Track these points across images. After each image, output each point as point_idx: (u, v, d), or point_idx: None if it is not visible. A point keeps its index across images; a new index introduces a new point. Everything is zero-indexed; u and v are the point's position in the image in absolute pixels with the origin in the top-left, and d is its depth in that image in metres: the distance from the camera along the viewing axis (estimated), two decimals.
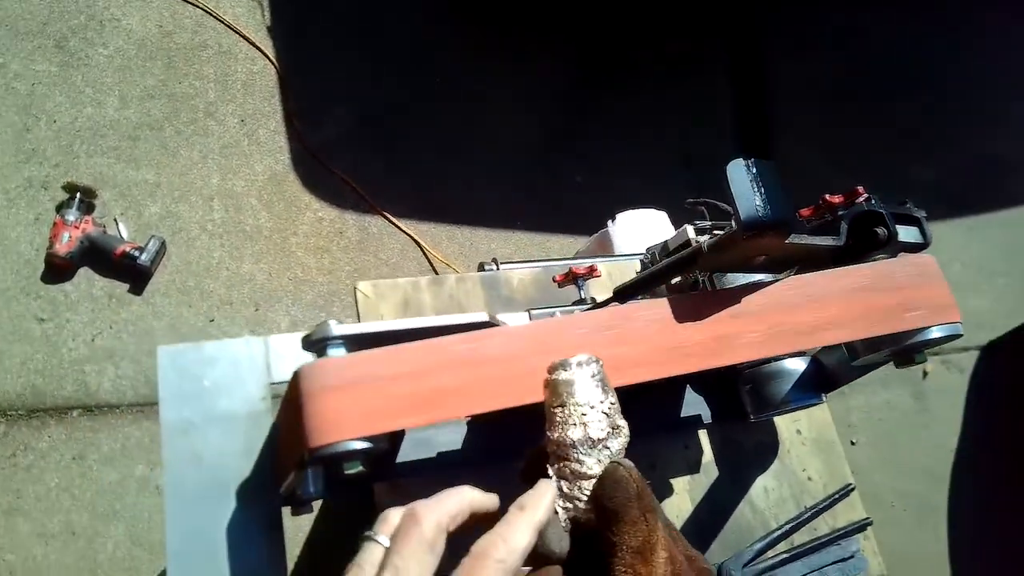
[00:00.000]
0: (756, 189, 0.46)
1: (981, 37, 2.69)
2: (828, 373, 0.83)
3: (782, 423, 0.98)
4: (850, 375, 0.80)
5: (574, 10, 2.33)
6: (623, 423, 0.43)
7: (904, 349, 0.53)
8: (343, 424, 0.44)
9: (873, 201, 0.54)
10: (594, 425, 0.42)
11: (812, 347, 0.50)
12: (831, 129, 2.42)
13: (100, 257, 1.60)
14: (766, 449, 0.95)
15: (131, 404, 1.51)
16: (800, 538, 0.90)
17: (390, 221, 1.92)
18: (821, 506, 0.93)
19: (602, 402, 0.42)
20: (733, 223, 0.47)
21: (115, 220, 1.66)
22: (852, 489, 0.96)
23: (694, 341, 0.49)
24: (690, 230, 0.94)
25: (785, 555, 0.88)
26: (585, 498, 0.40)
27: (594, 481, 0.40)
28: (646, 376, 0.48)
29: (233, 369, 0.57)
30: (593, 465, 0.41)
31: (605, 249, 1.22)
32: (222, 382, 0.56)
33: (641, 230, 1.23)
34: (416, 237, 1.91)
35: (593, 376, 0.43)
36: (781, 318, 0.50)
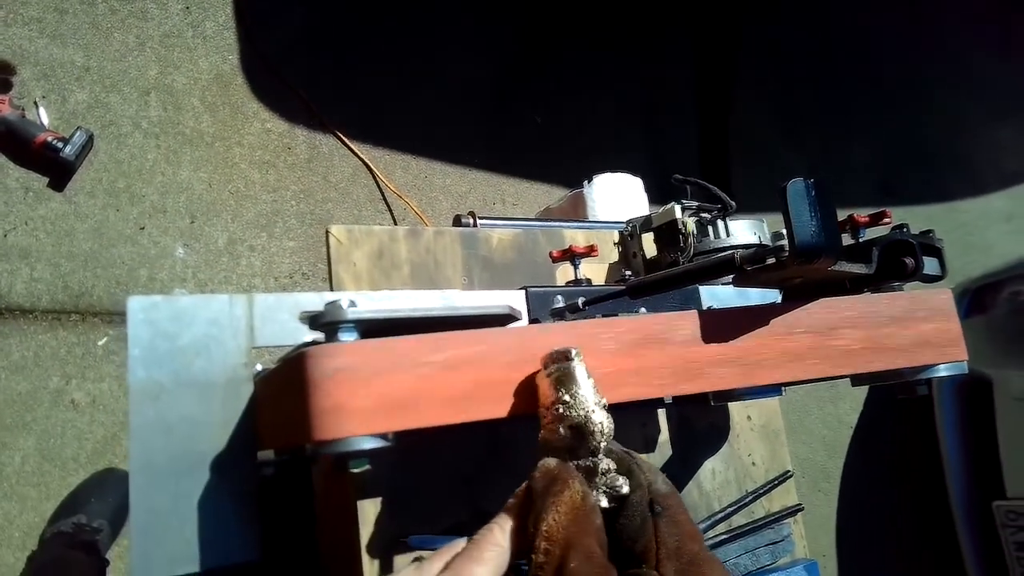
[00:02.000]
0: (813, 213, 0.44)
1: (933, 25, 2.75)
2: None
3: (735, 409, 1.00)
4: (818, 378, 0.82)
5: None
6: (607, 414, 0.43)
7: (910, 383, 0.54)
8: (356, 418, 0.40)
9: (905, 229, 0.53)
10: (598, 415, 0.42)
11: (836, 375, 0.50)
12: (786, 99, 2.44)
13: (16, 144, 1.43)
14: (718, 433, 0.98)
15: (46, 310, 1.39)
16: (739, 520, 0.94)
17: (343, 142, 1.80)
18: (761, 491, 0.97)
19: (597, 392, 0.43)
20: (784, 244, 0.45)
21: (35, 104, 1.48)
22: (790, 475, 1.01)
23: (754, 354, 0.47)
24: (677, 209, 0.92)
25: (724, 536, 0.91)
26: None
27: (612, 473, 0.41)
28: (675, 390, 0.46)
29: (213, 329, 0.51)
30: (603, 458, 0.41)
31: (579, 211, 1.19)
32: (200, 342, 0.51)
33: (616, 196, 1.20)
34: (369, 163, 1.81)
35: (585, 368, 0.43)
36: (833, 341, 0.49)
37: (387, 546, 0.71)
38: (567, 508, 0.37)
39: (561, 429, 0.41)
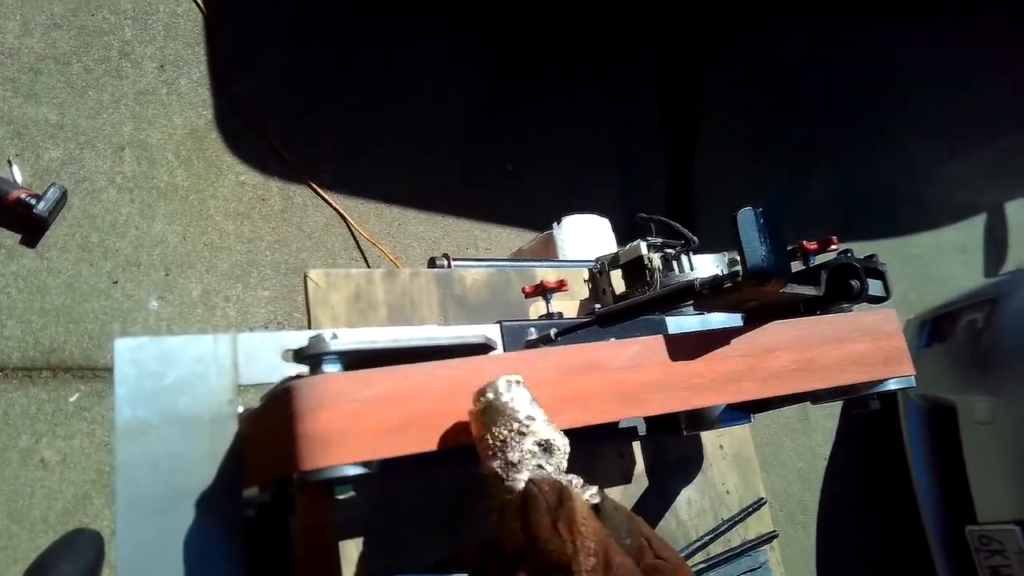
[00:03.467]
0: (763, 239, 0.48)
1: (885, 68, 2.90)
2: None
3: (707, 438, 1.03)
4: (781, 402, 0.85)
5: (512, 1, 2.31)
6: (558, 436, 0.44)
7: (862, 398, 0.57)
8: (340, 447, 0.42)
9: (849, 253, 0.57)
10: (529, 442, 0.43)
11: (793, 391, 0.53)
12: (749, 139, 2.54)
13: None
14: (692, 463, 1.00)
15: (17, 367, 1.38)
16: (716, 548, 0.96)
17: (316, 192, 1.84)
18: (736, 519, 0.99)
19: (533, 419, 0.44)
20: (738, 270, 0.48)
21: (8, 161, 1.49)
22: (764, 503, 1.03)
23: (693, 378, 0.50)
24: (643, 246, 0.97)
25: (702, 565, 0.93)
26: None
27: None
28: (653, 410, 0.49)
29: (198, 367, 0.53)
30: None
31: (550, 251, 1.23)
32: (185, 381, 0.52)
33: (585, 236, 1.25)
34: (343, 212, 1.84)
35: (526, 394, 0.44)
36: (762, 364, 0.52)
37: None
38: (586, 514, 0.39)
39: (527, 448, 0.43)
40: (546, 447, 0.43)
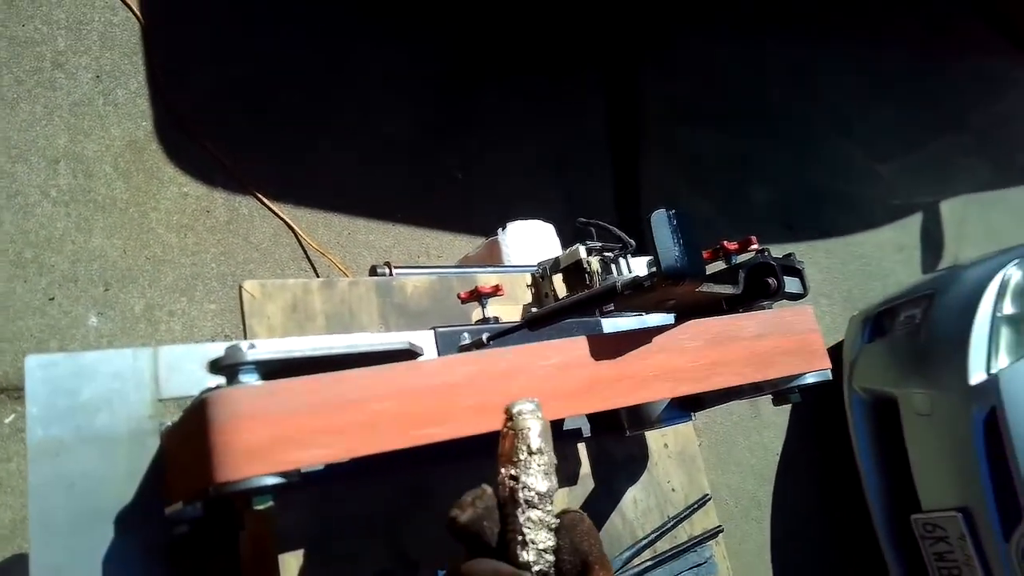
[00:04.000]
0: (676, 240, 0.49)
1: (814, 77, 3.00)
2: (698, 395, 0.90)
3: (651, 437, 1.04)
4: (716, 399, 0.87)
5: (458, 8, 2.32)
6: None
7: (782, 391, 0.59)
8: (257, 458, 0.41)
9: (766, 252, 0.59)
10: (551, 473, 0.42)
11: (709, 389, 0.54)
12: (690, 149, 2.60)
13: None
14: (637, 462, 1.01)
15: None
16: (663, 545, 0.97)
17: (262, 202, 1.81)
18: (682, 516, 1.01)
19: (551, 450, 0.43)
20: (654, 269, 0.50)
21: None
22: (708, 500, 1.05)
23: (611, 377, 0.51)
24: (582, 250, 0.98)
25: (649, 563, 0.94)
26: (545, 545, 0.40)
27: (548, 529, 0.40)
28: (580, 410, 0.49)
29: (116, 383, 0.52)
30: (548, 513, 0.41)
31: (494, 257, 1.24)
32: (102, 397, 0.51)
33: (530, 241, 1.26)
34: (290, 222, 1.82)
35: (544, 422, 0.43)
36: (686, 360, 0.54)
37: None
38: None
39: (529, 481, 0.41)
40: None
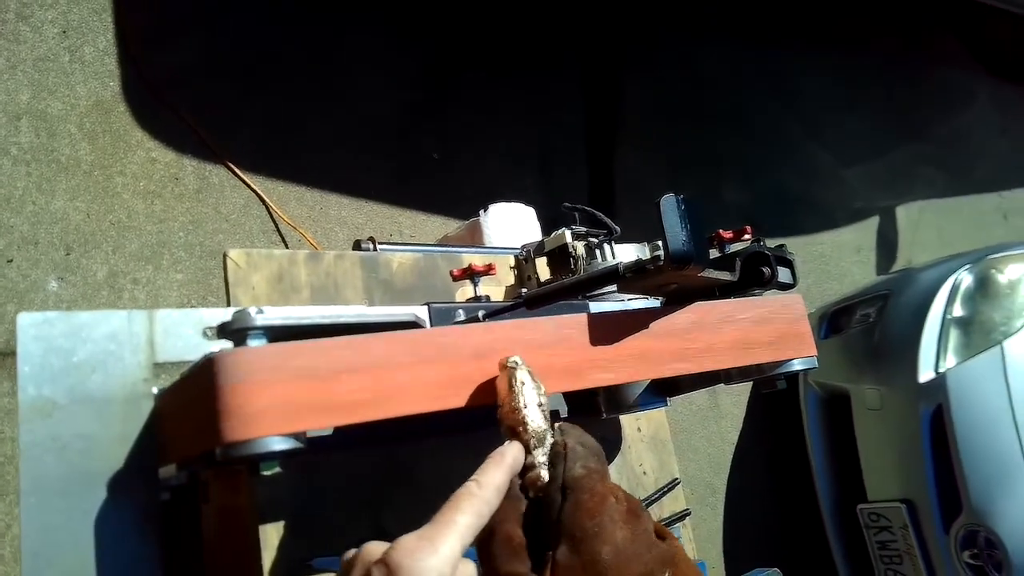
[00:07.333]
0: (684, 225, 0.50)
1: (791, 83, 3.07)
2: (673, 380, 0.92)
3: (625, 421, 1.07)
4: (693, 385, 0.90)
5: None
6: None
7: (770, 377, 0.61)
8: (268, 419, 0.41)
9: (761, 242, 0.61)
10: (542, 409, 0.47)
11: (701, 370, 0.56)
12: (665, 147, 2.63)
13: None
14: (611, 445, 1.03)
15: None
16: None
17: (234, 173, 1.77)
18: (652, 498, 1.03)
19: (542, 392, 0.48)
20: (660, 254, 0.51)
21: None
22: (678, 483, 1.08)
23: (612, 357, 0.52)
24: (568, 234, 0.99)
25: None
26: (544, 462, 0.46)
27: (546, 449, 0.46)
28: (575, 385, 0.51)
29: (111, 344, 0.50)
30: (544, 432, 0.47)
31: (476, 239, 1.24)
32: (96, 359, 0.50)
33: (511, 223, 1.26)
34: (262, 194, 1.78)
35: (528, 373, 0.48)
36: (680, 343, 0.55)
37: (291, 570, 0.70)
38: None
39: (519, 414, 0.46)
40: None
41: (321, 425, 0.42)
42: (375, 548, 0.40)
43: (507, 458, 0.44)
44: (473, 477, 0.43)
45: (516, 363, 0.48)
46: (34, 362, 0.48)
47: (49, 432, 0.47)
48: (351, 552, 0.42)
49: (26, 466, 0.46)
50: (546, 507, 0.44)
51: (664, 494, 1.04)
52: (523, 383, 0.47)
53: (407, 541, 0.38)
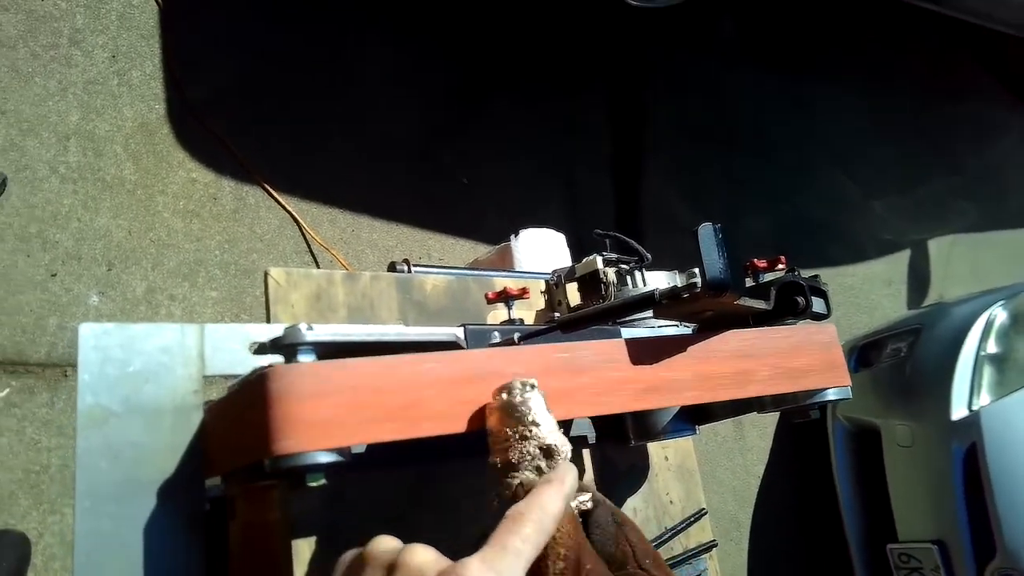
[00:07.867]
0: (720, 253, 0.51)
1: (818, 111, 3.07)
2: (706, 407, 0.92)
3: (653, 448, 1.06)
4: (725, 412, 0.89)
5: (469, 15, 2.35)
6: (562, 441, 0.46)
7: (803, 407, 0.61)
8: (317, 432, 0.43)
9: (795, 272, 0.62)
10: (531, 445, 0.45)
11: (745, 396, 0.56)
12: (692, 174, 2.64)
13: None
14: (638, 472, 1.03)
15: None
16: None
17: (269, 193, 1.82)
18: (679, 528, 1.03)
19: (539, 424, 0.46)
20: (697, 280, 0.52)
21: None
22: (704, 513, 1.07)
23: (666, 380, 0.53)
24: (599, 260, 1.00)
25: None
26: None
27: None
28: (617, 407, 0.51)
29: (164, 356, 0.52)
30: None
31: (506, 263, 1.25)
32: (150, 369, 0.52)
33: (541, 249, 1.28)
34: (296, 215, 1.83)
35: (539, 399, 0.46)
36: (730, 368, 0.56)
37: None
38: (567, 519, 0.41)
39: (528, 451, 0.45)
40: (547, 452, 0.44)
41: (367, 440, 0.44)
42: (388, 543, 0.39)
43: (566, 485, 0.42)
44: (534, 500, 0.40)
45: (521, 386, 0.47)
46: (93, 371, 0.50)
47: (104, 439, 0.49)
48: (351, 552, 0.41)
49: (81, 472, 0.47)
50: (601, 531, 0.44)
51: (691, 524, 1.03)
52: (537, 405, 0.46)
53: (472, 565, 0.36)
